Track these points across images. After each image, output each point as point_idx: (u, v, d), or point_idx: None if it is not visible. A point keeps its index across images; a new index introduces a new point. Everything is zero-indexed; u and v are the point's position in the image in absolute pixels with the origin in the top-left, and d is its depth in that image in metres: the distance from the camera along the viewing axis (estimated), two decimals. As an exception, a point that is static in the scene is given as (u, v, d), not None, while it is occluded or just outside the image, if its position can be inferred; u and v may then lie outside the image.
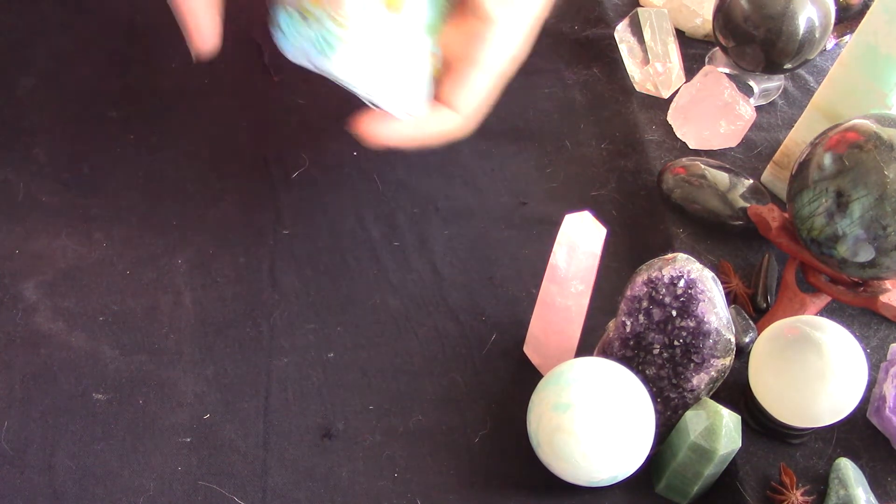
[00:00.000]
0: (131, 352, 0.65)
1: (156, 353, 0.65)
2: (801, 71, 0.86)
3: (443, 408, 0.64)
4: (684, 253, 0.59)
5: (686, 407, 0.59)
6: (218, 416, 0.62)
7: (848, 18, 0.86)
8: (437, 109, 0.61)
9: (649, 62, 0.82)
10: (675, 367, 0.59)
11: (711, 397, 0.59)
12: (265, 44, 0.86)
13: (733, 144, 0.79)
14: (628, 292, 0.60)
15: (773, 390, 0.58)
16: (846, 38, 0.88)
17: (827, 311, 0.68)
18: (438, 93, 0.61)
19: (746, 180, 0.73)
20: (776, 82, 0.84)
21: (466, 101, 0.60)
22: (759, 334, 0.62)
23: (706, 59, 0.87)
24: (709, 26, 0.87)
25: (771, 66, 0.78)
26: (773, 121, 0.82)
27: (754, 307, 0.68)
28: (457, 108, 0.61)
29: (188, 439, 0.61)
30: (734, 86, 0.79)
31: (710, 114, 0.78)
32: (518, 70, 0.88)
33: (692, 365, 0.58)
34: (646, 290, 0.59)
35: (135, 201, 0.73)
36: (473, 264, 0.72)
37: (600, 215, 0.59)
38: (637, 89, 0.84)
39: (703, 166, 0.74)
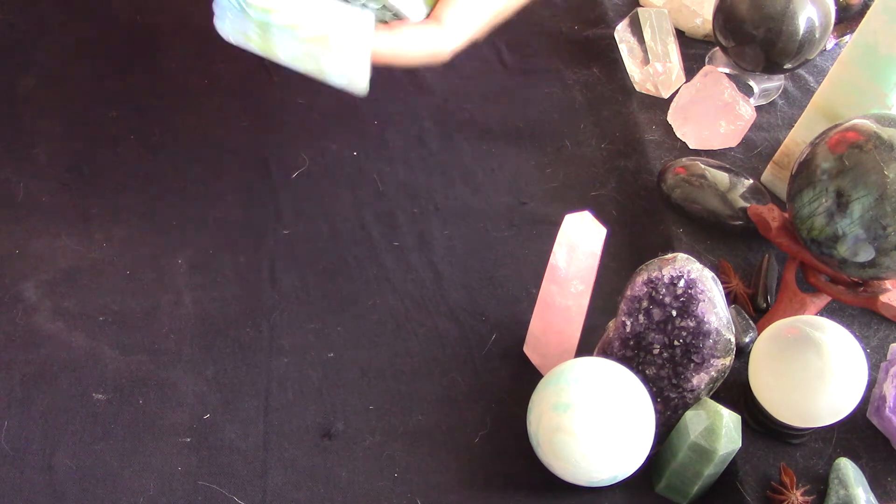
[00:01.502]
0: (131, 352, 0.65)
1: (156, 353, 0.65)
2: (801, 71, 0.86)
3: (443, 408, 0.64)
4: (684, 253, 0.60)
5: (686, 407, 0.59)
6: (218, 416, 0.62)
7: (848, 18, 0.86)
8: (421, 23, 0.59)
9: (649, 62, 0.82)
10: (675, 367, 0.59)
11: (711, 397, 0.59)
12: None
13: (733, 144, 0.79)
14: (628, 292, 0.60)
15: (773, 390, 0.58)
16: (846, 38, 0.88)
17: (827, 311, 0.68)
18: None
19: (746, 180, 0.73)
20: (776, 82, 0.84)
21: (452, 17, 0.59)
22: (759, 334, 0.62)
23: (706, 59, 0.87)
24: (709, 26, 0.87)
25: (771, 66, 0.78)
26: (773, 121, 0.82)
27: (754, 307, 0.68)
28: (442, 22, 0.59)
29: (188, 439, 0.61)
30: (734, 86, 0.79)
31: (710, 114, 0.78)
32: (518, 70, 0.88)
33: (692, 365, 0.58)
34: (646, 290, 0.59)
35: (135, 201, 0.73)
36: (473, 264, 0.72)
37: (600, 215, 0.59)
38: (637, 89, 0.84)
39: (703, 166, 0.74)
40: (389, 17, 0.60)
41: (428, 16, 0.60)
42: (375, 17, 0.58)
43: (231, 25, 0.54)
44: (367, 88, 0.59)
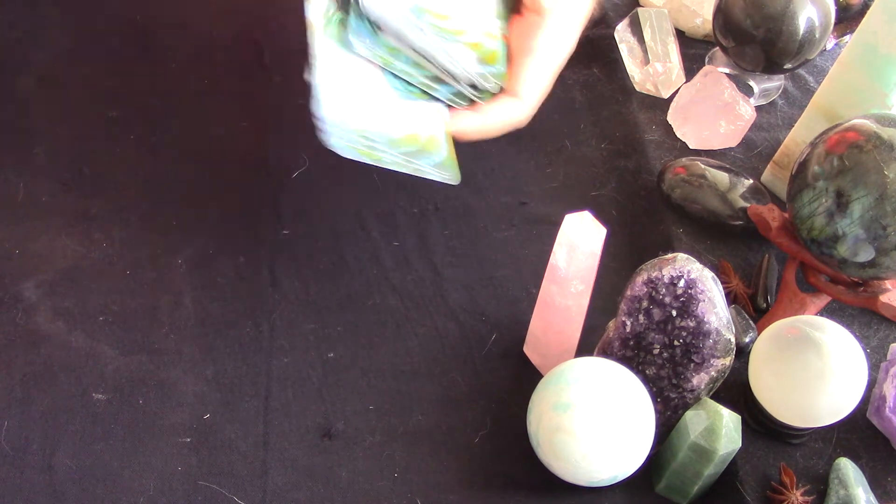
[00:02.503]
0: (131, 352, 0.65)
1: (156, 353, 0.65)
2: (801, 71, 0.86)
3: (443, 408, 0.64)
4: (684, 253, 0.60)
5: (686, 407, 0.59)
6: (218, 416, 0.62)
7: (848, 18, 0.86)
8: (500, 99, 0.63)
9: (649, 62, 0.82)
10: (675, 367, 0.59)
11: (711, 397, 0.59)
12: (265, 44, 0.86)
13: (733, 144, 0.79)
14: (628, 292, 0.60)
15: (773, 390, 0.58)
16: (846, 38, 0.88)
17: (827, 311, 0.68)
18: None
19: (746, 180, 0.73)
20: (776, 82, 0.84)
21: (527, 90, 0.63)
22: (759, 334, 0.62)
23: (706, 59, 0.87)
24: (709, 26, 0.87)
25: (771, 66, 0.78)
26: (773, 121, 0.82)
27: (754, 307, 0.68)
28: (519, 96, 0.63)
29: (188, 439, 0.61)
30: (734, 86, 0.79)
31: (710, 114, 0.78)
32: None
33: (692, 365, 0.58)
34: (646, 290, 0.59)
35: (135, 201, 0.73)
36: (473, 264, 0.72)
37: (600, 215, 0.59)
38: (637, 89, 0.84)
39: (703, 166, 0.74)
40: (470, 98, 0.64)
41: (501, 90, 0.64)
42: (461, 100, 0.63)
43: (339, 142, 0.58)
44: (459, 176, 0.63)
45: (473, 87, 0.63)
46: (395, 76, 0.60)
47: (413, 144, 0.60)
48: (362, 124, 0.58)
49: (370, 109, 0.58)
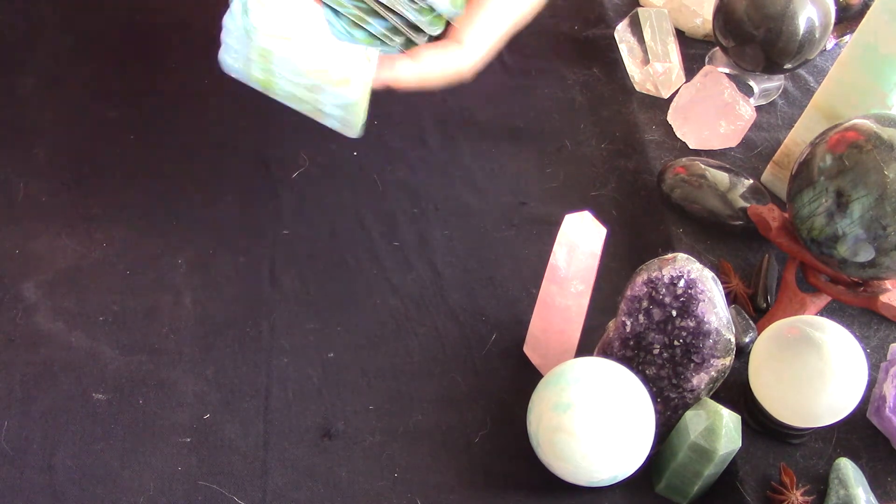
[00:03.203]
0: (131, 352, 0.65)
1: (156, 353, 0.65)
2: (801, 71, 0.86)
3: (443, 408, 0.64)
4: (684, 253, 0.60)
5: (686, 407, 0.59)
6: (218, 416, 0.62)
7: (848, 18, 0.86)
8: (443, 45, 0.61)
9: (649, 62, 0.82)
10: (675, 367, 0.59)
11: (711, 397, 0.59)
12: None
13: (733, 144, 0.79)
14: (628, 292, 0.60)
15: (773, 390, 0.58)
16: (846, 38, 0.88)
17: (827, 311, 0.68)
18: (447, 31, 0.61)
19: (746, 180, 0.73)
20: (776, 82, 0.84)
21: (472, 38, 0.61)
22: (759, 334, 0.62)
23: (706, 59, 0.87)
24: (709, 26, 0.87)
25: (771, 66, 0.78)
26: (773, 121, 0.82)
27: (754, 307, 0.68)
28: (462, 42, 0.60)
29: (188, 439, 0.61)
30: (734, 86, 0.79)
31: (710, 114, 0.78)
32: (518, 70, 0.88)
33: (692, 365, 0.58)
34: (646, 290, 0.59)
35: (135, 201, 0.73)
36: (473, 264, 0.72)
37: (600, 215, 0.59)
38: (637, 89, 0.84)
39: (703, 166, 0.74)
40: (407, 37, 0.60)
41: (444, 36, 0.61)
42: (397, 48, 0.59)
43: (235, 56, 0.54)
44: (362, 131, 0.59)
45: (410, 25, 0.59)
46: (329, 6, 0.56)
47: (319, 79, 0.56)
48: (272, 41, 0.54)
49: (286, 28, 0.55)
